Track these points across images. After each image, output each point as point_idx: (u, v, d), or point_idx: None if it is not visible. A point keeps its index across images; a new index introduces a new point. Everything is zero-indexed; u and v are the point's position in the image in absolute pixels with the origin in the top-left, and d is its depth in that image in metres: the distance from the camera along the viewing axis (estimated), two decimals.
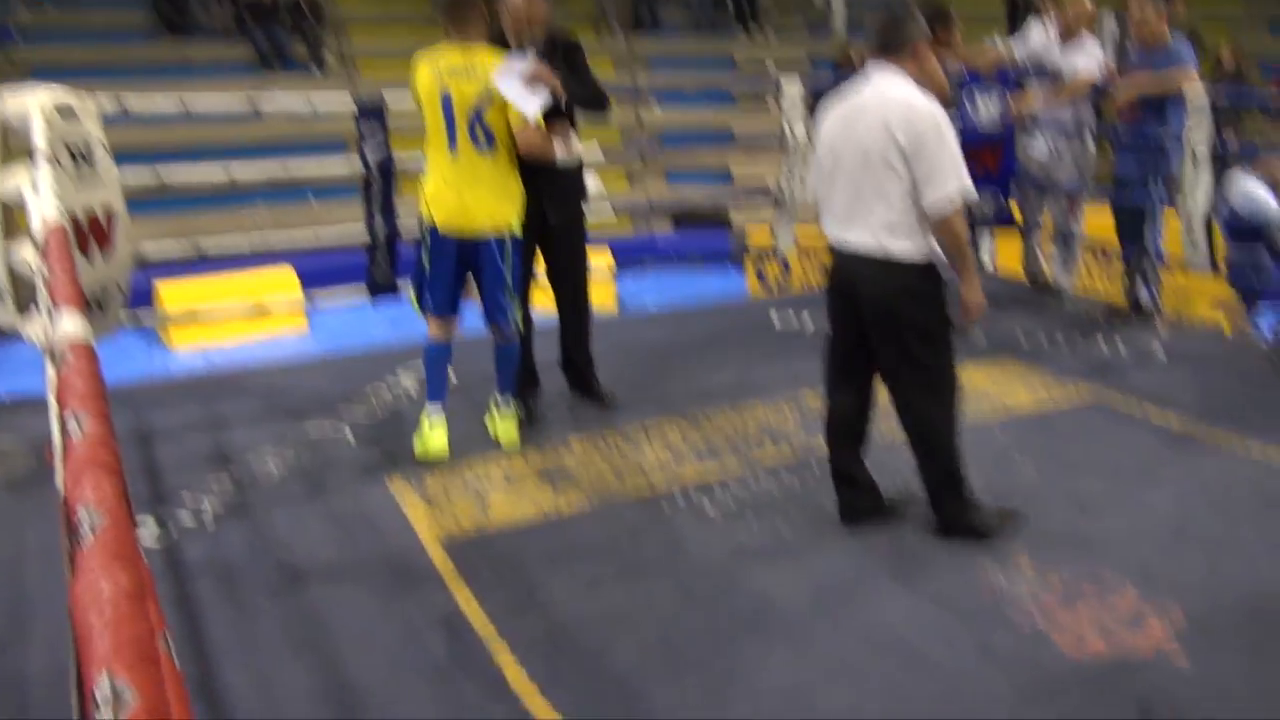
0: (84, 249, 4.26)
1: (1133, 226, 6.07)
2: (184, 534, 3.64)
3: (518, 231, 4.17)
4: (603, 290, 9.86)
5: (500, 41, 4.28)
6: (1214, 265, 5.77)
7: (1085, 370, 5.28)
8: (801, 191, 6.49)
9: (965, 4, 15.22)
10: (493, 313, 4.23)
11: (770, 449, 4.32)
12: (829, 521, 3.71)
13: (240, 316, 6.59)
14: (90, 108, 4.37)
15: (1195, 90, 5.62)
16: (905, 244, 3.31)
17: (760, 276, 9.80)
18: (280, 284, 8.87)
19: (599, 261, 7.95)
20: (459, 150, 4.06)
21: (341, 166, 5.87)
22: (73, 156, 4.22)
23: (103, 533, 1.48)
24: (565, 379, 4.86)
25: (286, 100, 6.46)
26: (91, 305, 4.28)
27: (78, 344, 2.11)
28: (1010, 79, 6.19)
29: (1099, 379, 5.15)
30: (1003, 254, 7.20)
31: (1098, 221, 7.11)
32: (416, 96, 4.11)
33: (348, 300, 5.73)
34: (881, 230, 3.31)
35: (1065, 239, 6.49)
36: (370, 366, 5.34)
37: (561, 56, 4.33)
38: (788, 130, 6.40)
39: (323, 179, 11.07)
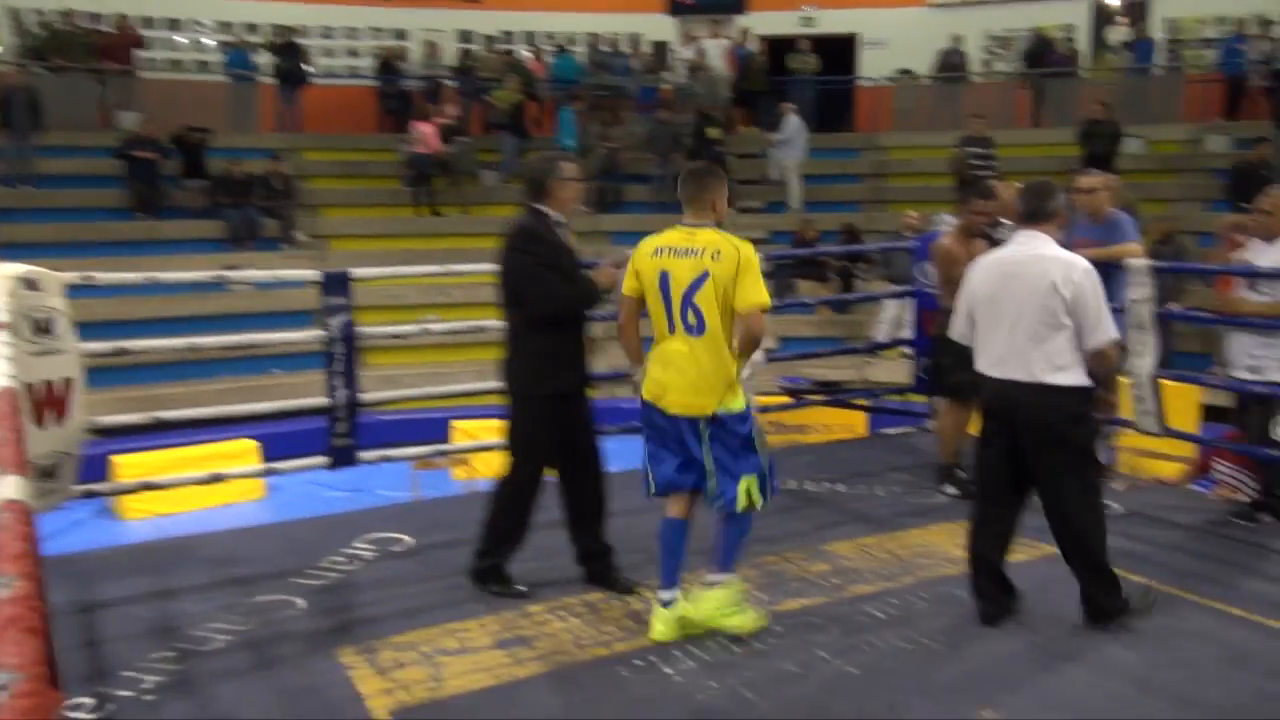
0: (39, 418, 4.22)
1: None
2: (122, 709, 3.48)
3: (733, 408, 3.88)
4: None
5: None
6: (1163, 426, 5.85)
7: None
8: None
9: (919, 184, 15.89)
10: (698, 483, 3.99)
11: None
12: (789, 681, 3.62)
13: (195, 485, 6.48)
14: (54, 281, 4.41)
15: (1138, 262, 5.81)
16: (1064, 375, 3.88)
17: None
18: (238, 454, 8.80)
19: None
20: (675, 329, 3.89)
21: (306, 337, 5.91)
22: (34, 328, 4.24)
23: (17, 695, 1.42)
24: (585, 573, 4.53)
25: (253, 273, 6.55)
26: (43, 473, 4.22)
27: (14, 505, 2.07)
28: None
29: None
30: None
31: None
32: (639, 275, 3.97)
33: (308, 470, 5.67)
34: (1042, 364, 3.88)
35: None
36: (326, 535, 5.25)
37: None
38: None
39: (287, 350, 11.19)
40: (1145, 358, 5.78)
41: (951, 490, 5.87)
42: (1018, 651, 3.87)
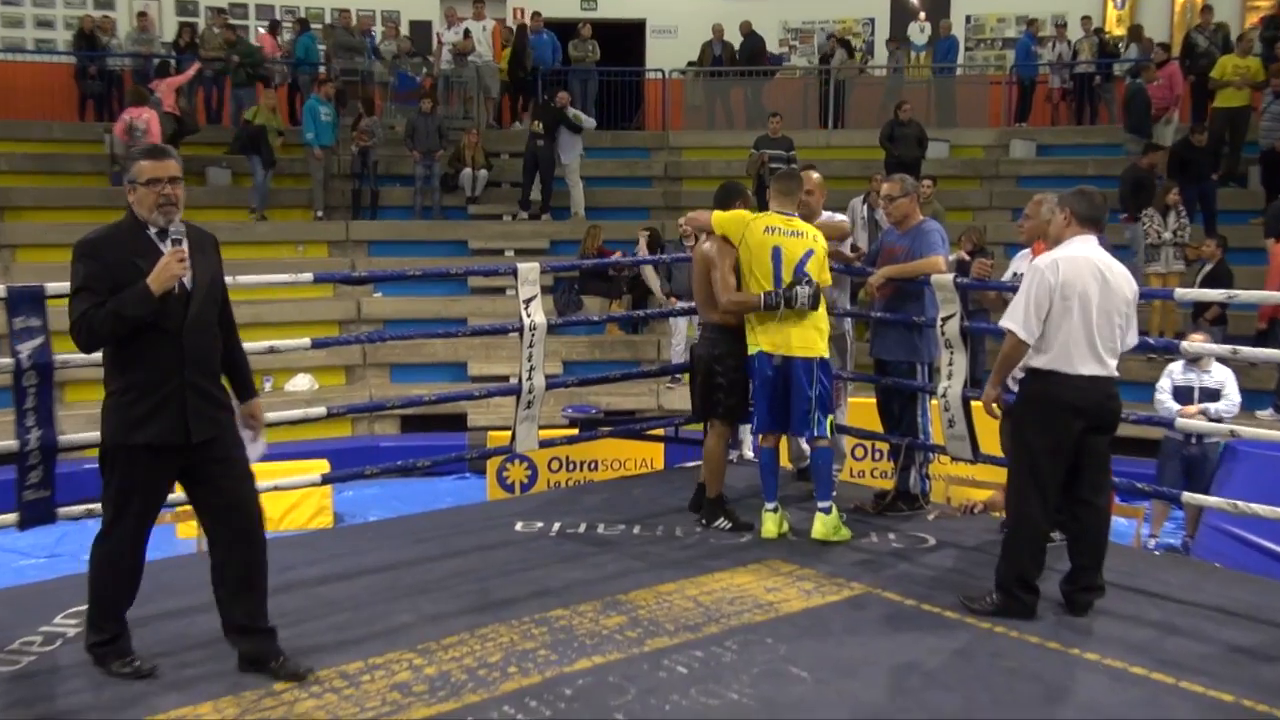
0: None
1: (897, 412, 6.53)
2: None
3: (825, 355, 5.84)
4: (315, 503, 9.61)
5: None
6: (976, 452, 6.21)
7: (855, 563, 5.53)
8: (536, 381, 6.59)
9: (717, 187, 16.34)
10: (798, 424, 5.83)
11: (516, 677, 4.23)
12: None
13: None
14: None
15: (941, 279, 6.11)
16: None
17: (502, 480, 9.83)
18: None
19: (311, 470, 7.73)
20: None
21: None
22: None
23: None
24: (239, 651, 4.26)
25: None
26: None
27: None
28: None
29: (870, 572, 5.42)
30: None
31: (862, 408, 7.60)
32: (746, 245, 5.81)
33: None
34: (1114, 359, 4.80)
35: None
36: (17, 612, 4.89)
37: None
38: (526, 318, 6.52)
39: None
40: (956, 380, 6.13)
41: (725, 525, 6.06)
42: (834, 702, 4.02)
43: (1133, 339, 4.90)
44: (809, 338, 5.76)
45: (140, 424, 3.97)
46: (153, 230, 3.98)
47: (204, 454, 4.08)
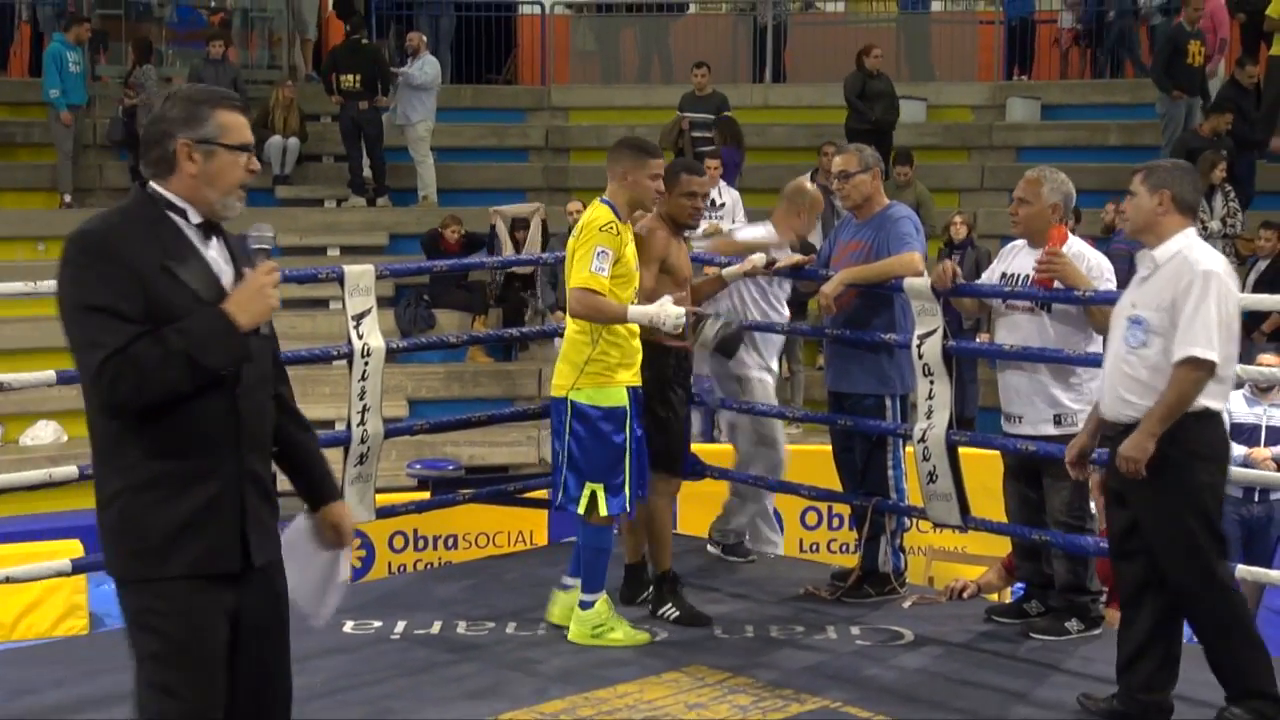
0: None
1: (860, 462, 6.59)
2: None
3: (599, 403, 5.65)
4: (63, 600, 9.40)
5: None
6: (965, 515, 6.28)
7: (808, 668, 5.58)
8: (371, 427, 6.54)
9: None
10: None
11: None
12: None
13: None
14: None
15: (916, 284, 6.14)
16: None
17: None
18: None
19: (57, 553, 7.58)
20: None
21: None
22: None
23: None
24: None
25: None
26: None
27: None
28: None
29: (827, 679, 5.45)
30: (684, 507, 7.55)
31: (814, 458, 7.66)
32: None
33: None
34: None
35: (764, 481, 6.93)
36: None
37: None
38: (356, 341, 6.47)
39: None
40: (938, 418, 6.20)
41: (672, 613, 6.08)
42: None
43: None
44: (556, 371, 5.93)
45: (177, 540, 3.27)
46: (192, 220, 3.35)
47: (250, 588, 3.45)
